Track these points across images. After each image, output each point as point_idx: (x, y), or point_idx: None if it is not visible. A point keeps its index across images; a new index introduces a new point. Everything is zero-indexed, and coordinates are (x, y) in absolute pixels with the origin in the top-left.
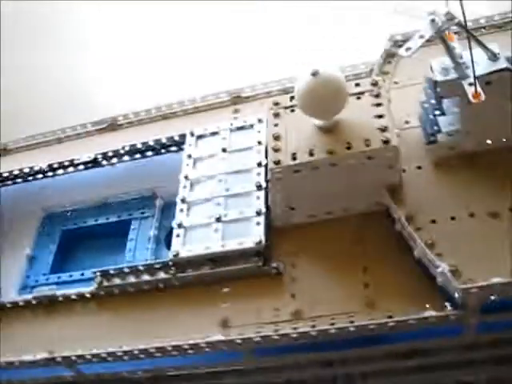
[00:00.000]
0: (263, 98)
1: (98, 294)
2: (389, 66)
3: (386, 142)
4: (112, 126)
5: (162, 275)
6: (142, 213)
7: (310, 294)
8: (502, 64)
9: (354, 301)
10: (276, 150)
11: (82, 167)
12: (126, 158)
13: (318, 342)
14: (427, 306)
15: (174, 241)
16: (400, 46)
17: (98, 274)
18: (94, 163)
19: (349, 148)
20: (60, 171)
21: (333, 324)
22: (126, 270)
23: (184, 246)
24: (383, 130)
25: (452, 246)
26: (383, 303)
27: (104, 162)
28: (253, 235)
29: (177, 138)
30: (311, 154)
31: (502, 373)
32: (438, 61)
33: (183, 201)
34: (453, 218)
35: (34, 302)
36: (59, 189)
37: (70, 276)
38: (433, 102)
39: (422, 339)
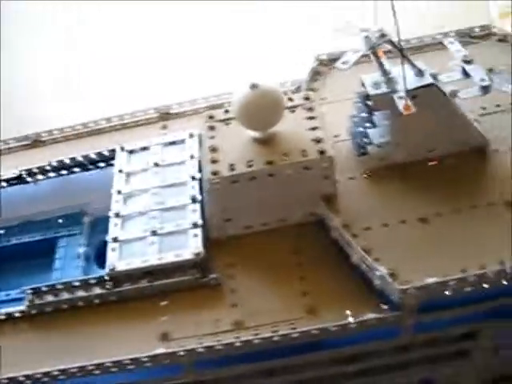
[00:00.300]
0: (191, 114)
1: (29, 312)
2: (316, 83)
3: (322, 152)
4: (35, 142)
5: (97, 290)
6: (69, 230)
7: (250, 304)
8: (428, 80)
9: (294, 309)
10: (214, 162)
11: (5, 184)
12: (51, 174)
13: (258, 353)
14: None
15: (110, 255)
16: (325, 65)
17: (29, 291)
18: (19, 180)
19: (286, 158)
20: None
21: (275, 332)
22: (60, 287)
23: (120, 260)
24: (318, 141)
25: (387, 251)
26: (323, 310)
27: (29, 179)
28: (190, 247)
29: (106, 153)
30: (249, 165)
31: (436, 372)
32: (368, 76)
33: (117, 215)
34: (385, 225)
35: None
36: None
37: None
38: (363, 115)
39: (362, 343)
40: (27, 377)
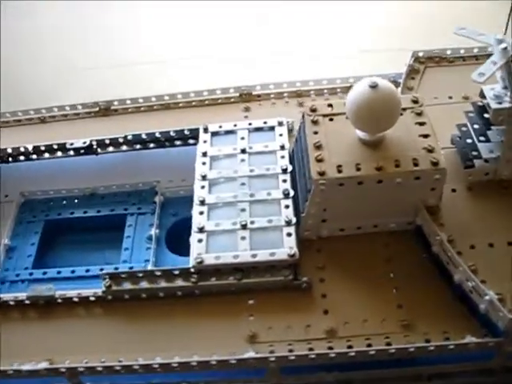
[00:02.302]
0: (275, 98)
1: (104, 297)
2: (412, 81)
3: (435, 163)
4: (105, 110)
5: (181, 282)
6: (139, 208)
7: (343, 311)
8: None
9: (389, 322)
10: (319, 161)
11: (72, 153)
12: (124, 147)
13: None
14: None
15: (196, 246)
16: (422, 63)
17: (107, 275)
18: (88, 150)
19: (397, 166)
20: (46, 155)
21: (369, 345)
22: (140, 274)
23: (208, 253)
24: (430, 150)
25: (493, 274)
26: (419, 325)
27: (99, 150)
28: (285, 247)
29: (187, 133)
30: (358, 169)
31: None
32: (489, 87)
33: (202, 203)
34: (491, 245)
35: (27, 301)
36: (40, 174)
37: (58, 273)
38: (476, 127)
39: (449, 362)
40: (107, 368)
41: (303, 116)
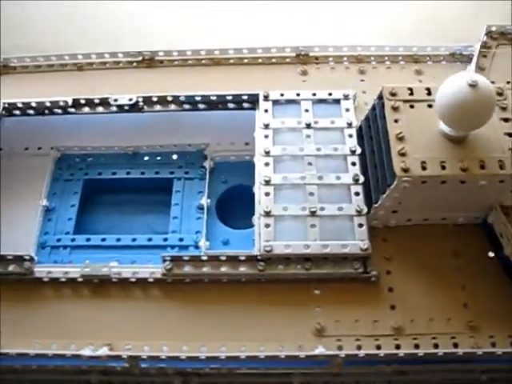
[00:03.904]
0: (334, 62)
1: (164, 280)
2: (485, 60)
3: None
4: (149, 61)
5: (246, 269)
6: (187, 172)
7: (410, 307)
8: None
9: (455, 321)
10: (402, 154)
11: (115, 109)
12: (173, 106)
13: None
14: None
15: (263, 231)
16: (495, 39)
17: (169, 258)
18: (133, 107)
19: (482, 167)
20: (86, 109)
21: (436, 345)
22: (204, 258)
23: (277, 241)
24: None
25: None
26: (484, 327)
27: (146, 108)
28: (357, 238)
29: (245, 97)
30: (443, 167)
31: None
32: None
33: (267, 182)
34: None
35: (80, 279)
36: (78, 128)
37: (103, 240)
38: None
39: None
40: (171, 358)
41: (380, 97)
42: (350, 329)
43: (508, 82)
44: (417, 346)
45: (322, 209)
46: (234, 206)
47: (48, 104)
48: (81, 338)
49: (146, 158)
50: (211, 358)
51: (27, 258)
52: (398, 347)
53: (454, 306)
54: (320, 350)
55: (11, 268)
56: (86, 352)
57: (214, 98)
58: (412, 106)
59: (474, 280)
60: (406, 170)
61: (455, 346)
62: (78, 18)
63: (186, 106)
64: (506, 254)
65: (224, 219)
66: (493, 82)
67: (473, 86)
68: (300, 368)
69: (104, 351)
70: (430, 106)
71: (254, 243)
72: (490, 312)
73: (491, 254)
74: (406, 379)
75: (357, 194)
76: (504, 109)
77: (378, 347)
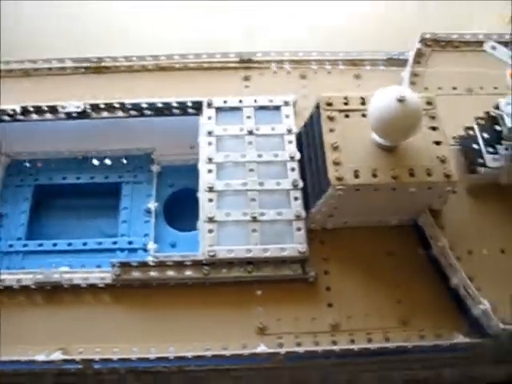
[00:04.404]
0: (276, 67)
1: (113, 285)
2: (419, 67)
3: (448, 176)
4: (97, 68)
5: (191, 273)
6: (135, 176)
7: (346, 305)
8: None
9: (389, 316)
10: (336, 164)
11: (63, 116)
12: (120, 113)
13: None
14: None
15: (207, 236)
16: (429, 46)
17: (117, 264)
18: (81, 115)
19: (412, 175)
20: (34, 116)
21: (370, 340)
22: (151, 264)
23: (220, 245)
24: (443, 161)
25: (488, 281)
26: (415, 322)
27: (93, 115)
28: (295, 242)
29: (189, 104)
30: (374, 175)
31: None
32: (505, 102)
33: (211, 189)
34: (488, 251)
35: (33, 286)
36: (26, 134)
37: (54, 245)
38: (486, 136)
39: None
40: (123, 360)
41: (317, 107)
42: (290, 327)
43: (439, 88)
44: (352, 341)
45: (263, 214)
46: (180, 208)
47: None
48: (35, 343)
49: (96, 163)
50: (160, 358)
51: None
52: (334, 343)
53: (388, 303)
54: (262, 349)
55: None
56: (41, 357)
57: (160, 105)
58: (347, 116)
59: (407, 278)
60: (340, 179)
61: (387, 340)
62: None
63: (133, 113)
64: (435, 254)
65: (171, 222)
66: (426, 89)
67: (401, 101)
68: (244, 364)
69: (58, 356)
70: (363, 115)
71: (199, 246)
72: (420, 307)
73: (421, 252)
74: (345, 370)
75: (296, 198)
76: (433, 118)
77: (317, 343)
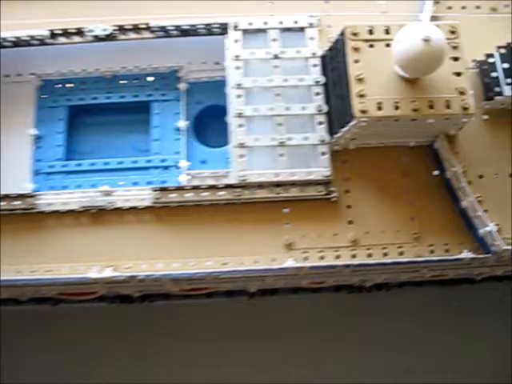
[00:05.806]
0: None
1: (152, 206)
2: None
3: (466, 108)
4: None
5: (224, 195)
6: (163, 94)
7: (365, 222)
8: None
9: (403, 233)
10: (361, 96)
11: (90, 39)
12: (147, 34)
13: None
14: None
15: (238, 161)
16: None
17: (156, 189)
18: (108, 37)
19: (431, 107)
20: (61, 39)
21: (385, 254)
22: (188, 188)
23: (250, 170)
24: (462, 92)
25: (495, 204)
26: (427, 238)
27: (121, 37)
28: (320, 166)
29: (216, 25)
30: (396, 107)
31: None
32: None
33: (240, 115)
34: (496, 175)
35: (79, 209)
36: (55, 56)
37: (92, 164)
38: (506, 66)
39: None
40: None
41: (343, 34)
42: (314, 242)
43: (463, 8)
44: (370, 256)
45: (289, 139)
46: (209, 125)
47: (26, 38)
48: (85, 261)
49: (124, 82)
50: (204, 273)
51: (30, 195)
52: (354, 257)
53: (402, 220)
54: (289, 263)
55: (16, 203)
56: (93, 274)
57: (186, 26)
58: (371, 46)
59: (421, 197)
60: (364, 112)
61: (401, 254)
62: None
63: (159, 34)
64: (448, 177)
65: (200, 138)
66: (449, 8)
67: (426, 40)
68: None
69: (108, 272)
70: (387, 45)
71: (229, 162)
72: (432, 224)
73: (436, 173)
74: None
75: (320, 123)
76: (455, 48)
77: (338, 257)
